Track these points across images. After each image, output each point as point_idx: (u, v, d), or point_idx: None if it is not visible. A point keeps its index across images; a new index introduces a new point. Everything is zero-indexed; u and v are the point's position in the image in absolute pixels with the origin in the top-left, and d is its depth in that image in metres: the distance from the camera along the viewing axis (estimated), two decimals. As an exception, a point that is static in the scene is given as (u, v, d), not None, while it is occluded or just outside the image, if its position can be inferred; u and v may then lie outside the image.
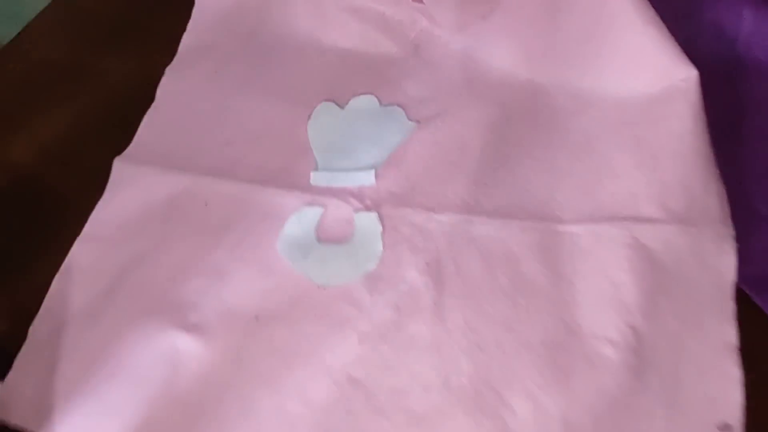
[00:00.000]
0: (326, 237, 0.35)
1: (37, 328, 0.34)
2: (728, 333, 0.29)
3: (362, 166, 0.36)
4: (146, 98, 0.42)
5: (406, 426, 0.29)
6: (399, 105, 0.39)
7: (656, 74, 0.33)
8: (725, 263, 0.30)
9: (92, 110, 0.42)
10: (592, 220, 0.33)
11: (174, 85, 0.42)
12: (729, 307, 0.29)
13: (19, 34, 0.48)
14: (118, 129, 0.40)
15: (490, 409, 0.29)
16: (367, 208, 0.35)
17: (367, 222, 0.34)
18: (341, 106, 0.39)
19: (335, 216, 0.35)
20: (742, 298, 0.29)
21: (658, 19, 0.32)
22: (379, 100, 0.39)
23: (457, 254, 0.33)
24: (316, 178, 0.36)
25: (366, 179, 0.36)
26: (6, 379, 0.33)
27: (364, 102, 0.39)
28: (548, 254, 0.32)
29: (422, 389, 0.30)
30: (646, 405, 0.28)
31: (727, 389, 0.28)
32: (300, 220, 0.35)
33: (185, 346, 0.32)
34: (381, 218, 0.34)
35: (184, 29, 0.45)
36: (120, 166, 0.38)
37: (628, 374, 0.28)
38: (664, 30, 0.32)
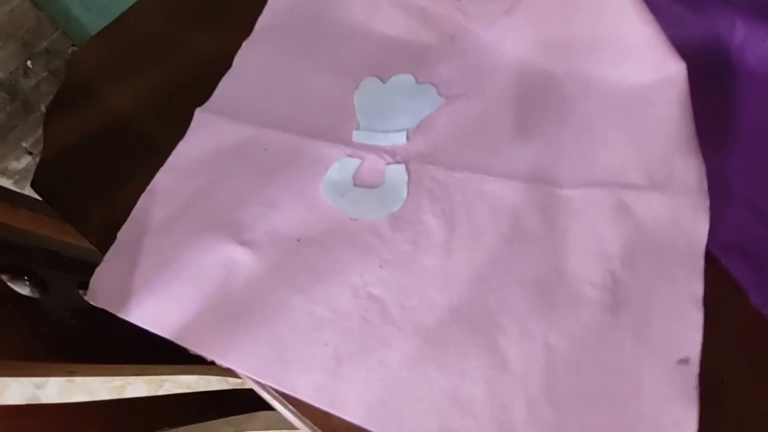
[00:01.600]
0: (361, 182, 0.40)
1: (124, 234, 0.41)
2: (696, 286, 0.32)
3: (396, 129, 0.42)
4: (224, 65, 0.49)
5: (412, 334, 0.33)
6: (432, 84, 0.44)
7: (650, 67, 0.37)
8: (699, 229, 0.33)
9: (180, 71, 0.49)
10: (586, 185, 0.37)
11: (248, 56, 0.49)
12: (698, 265, 0.32)
13: (125, 11, 0.56)
14: (200, 87, 0.47)
15: (484, 329, 0.33)
16: (397, 163, 0.40)
17: (396, 173, 0.39)
18: (383, 81, 0.45)
19: (370, 166, 0.41)
20: (710, 259, 0.32)
21: (653, 19, 0.36)
22: (416, 79, 0.44)
23: (469, 205, 0.38)
24: (358, 136, 0.42)
25: (398, 139, 0.41)
26: (96, 271, 0.39)
27: (403, 79, 0.44)
28: (545, 211, 0.36)
29: (428, 308, 0.34)
30: (618, 338, 0.32)
31: (689, 331, 0.31)
32: (341, 167, 0.40)
33: (239, 256, 0.38)
34: (408, 171, 0.40)
35: (257, 12, 0.52)
36: (200, 115, 0.45)
37: (604, 311, 0.32)
38: (659, 29, 0.36)
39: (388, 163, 0.40)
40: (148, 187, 0.42)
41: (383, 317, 0.35)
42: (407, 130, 0.41)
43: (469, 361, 0.32)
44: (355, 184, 0.40)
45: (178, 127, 0.45)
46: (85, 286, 0.43)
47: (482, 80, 0.43)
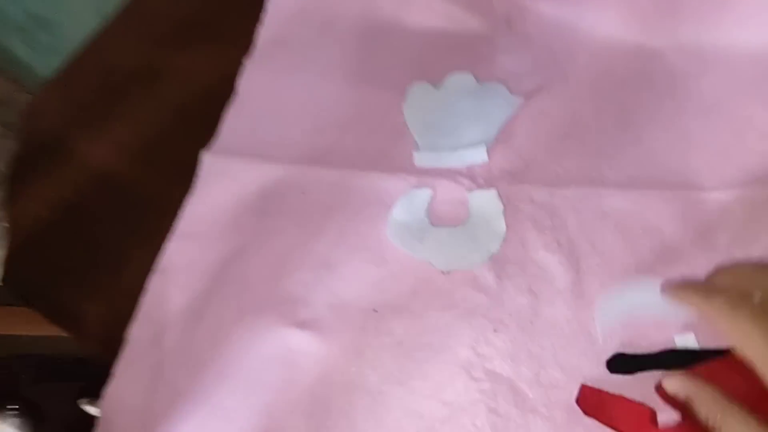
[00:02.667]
0: (440, 220, 0.31)
1: (136, 333, 0.30)
2: None
3: (468, 143, 0.32)
4: (223, 93, 0.38)
5: (568, 423, 0.24)
6: (498, 81, 0.35)
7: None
8: None
9: (171, 108, 0.39)
10: (741, 184, 0.28)
11: (255, 77, 0.38)
12: None
13: (94, 41, 0.45)
14: (199, 124, 0.37)
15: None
16: (480, 188, 0.31)
17: (485, 200, 0.30)
18: (436, 86, 0.36)
19: (446, 197, 0.31)
20: None
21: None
22: (476, 78, 0.35)
23: (590, 230, 0.28)
24: (421, 159, 0.32)
25: (477, 156, 0.31)
26: (107, 391, 0.29)
27: (460, 80, 0.35)
28: (695, 223, 0.28)
29: (577, 381, 0.25)
30: None
31: None
32: (410, 203, 0.31)
33: (299, 344, 0.28)
34: (499, 196, 0.30)
35: (250, 24, 0.42)
36: (209, 159, 0.35)
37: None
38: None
39: (470, 190, 0.31)
40: (159, 265, 0.32)
41: (518, 403, 0.25)
42: (485, 144, 0.32)
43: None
44: (432, 223, 0.31)
45: (183, 179, 0.34)
46: (88, 393, 0.33)
47: (560, 68, 0.34)
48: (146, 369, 0.29)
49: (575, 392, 0.25)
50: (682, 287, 0.22)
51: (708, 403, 0.20)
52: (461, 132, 0.33)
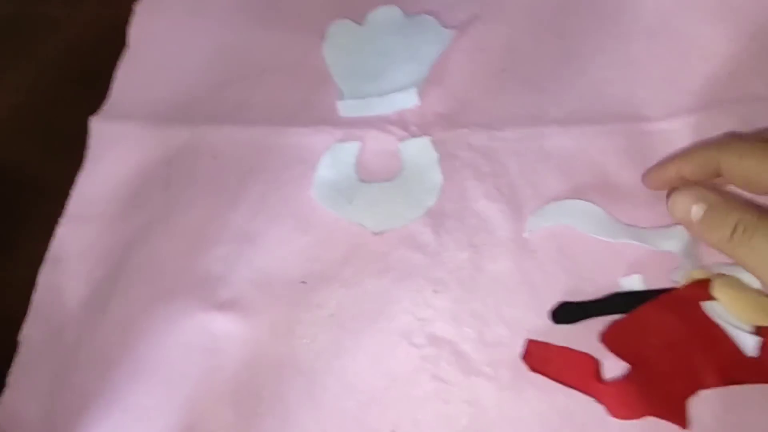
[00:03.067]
0: (370, 175, 0.27)
1: (30, 334, 0.26)
2: None
3: (398, 87, 0.29)
4: (113, 45, 0.32)
5: (514, 381, 0.23)
6: (428, 12, 0.31)
7: None
8: None
9: (51, 69, 0.33)
10: (687, 110, 0.26)
11: (149, 25, 0.33)
12: None
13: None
14: (86, 86, 0.31)
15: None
16: (413, 136, 0.28)
17: (418, 150, 0.27)
18: (359, 23, 0.31)
19: (376, 149, 0.28)
20: None
21: None
22: (403, 10, 0.31)
23: (532, 173, 0.26)
24: (346, 108, 0.28)
25: (407, 100, 0.28)
26: (2, 403, 0.25)
27: (385, 14, 0.31)
28: (640, 158, 0.26)
29: (522, 337, 0.23)
30: None
31: None
32: (334, 159, 0.27)
33: (221, 327, 0.25)
34: (434, 144, 0.27)
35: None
36: (99, 127, 0.30)
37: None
38: None
39: (401, 139, 0.28)
40: (49, 254, 0.27)
41: (462, 366, 0.23)
42: (415, 86, 0.29)
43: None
44: (361, 180, 0.28)
45: (70, 153, 0.29)
46: None
47: (495, -6, 0.31)
48: (46, 373, 0.25)
49: (520, 348, 0.23)
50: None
51: (738, 207, 0.19)
52: (389, 74, 0.29)
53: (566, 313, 0.23)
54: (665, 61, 0.27)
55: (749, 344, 0.19)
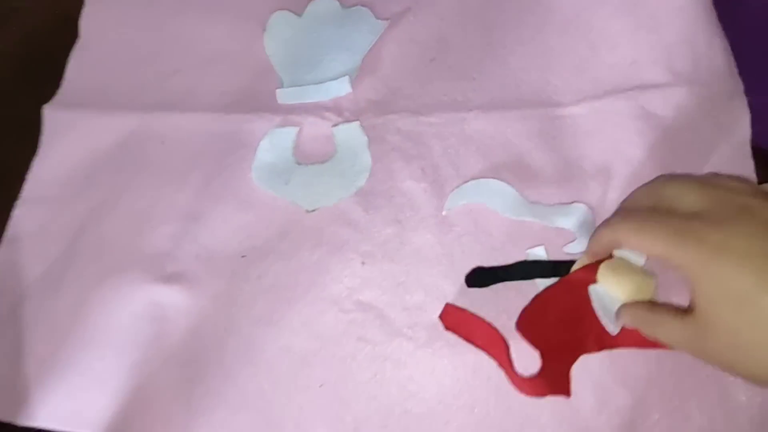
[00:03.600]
0: (306, 157, 0.29)
1: (-10, 309, 0.28)
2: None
3: (333, 76, 0.31)
4: (68, 35, 0.34)
5: (429, 341, 0.25)
6: (363, 5, 0.33)
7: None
8: (739, 120, 0.26)
9: (6, 57, 0.34)
10: (593, 97, 0.28)
11: (99, 16, 0.34)
12: (748, 166, 0.26)
13: None
14: (40, 74, 0.33)
15: (514, 308, 0.26)
16: (347, 121, 0.30)
17: (350, 134, 0.29)
18: (298, 14, 0.33)
19: (312, 133, 0.30)
20: (761, 154, 0.26)
21: None
22: (340, 2, 0.33)
23: (454, 155, 0.28)
24: (284, 96, 0.30)
25: (340, 89, 0.30)
26: (-34, 371, 0.27)
27: (323, 5, 0.33)
28: (550, 140, 0.28)
29: (439, 301, 0.26)
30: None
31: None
32: (273, 143, 0.29)
33: (168, 298, 0.27)
34: (364, 129, 0.29)
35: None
36: (52, 115, 0.31)
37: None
38: None
39: (335, 124, 0.30)
40: (6, 235, 0.29)
41: (384, 328, 0.26)
42: (349, 75, 0.30)
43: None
44: (298, 162, 0.29)
45: (24, 140, 0.31)
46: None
47: (427, -13, 0.33)
48: (6, 344, 0.27)
49: (437, 312, 0.26)
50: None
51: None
52: (325, 63, 0.31)
53: (478, 277, 0.26)
54: (576, 51, 0.30)
55: (610, 327, 0.22)
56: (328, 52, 0.31)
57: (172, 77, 0.32)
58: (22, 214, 0.29)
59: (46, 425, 0.26)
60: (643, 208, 0.21)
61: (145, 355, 0.26)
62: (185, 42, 0.33)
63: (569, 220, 0.26)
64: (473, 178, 0.28)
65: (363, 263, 0.27)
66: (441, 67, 0.31)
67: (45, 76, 0.32)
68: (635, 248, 0.20)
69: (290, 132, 0.30)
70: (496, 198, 0.27)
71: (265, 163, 0.29)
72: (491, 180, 0.27)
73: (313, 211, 0.28)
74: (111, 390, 0.26)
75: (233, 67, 0.32)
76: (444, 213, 0.27)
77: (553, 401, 0.24)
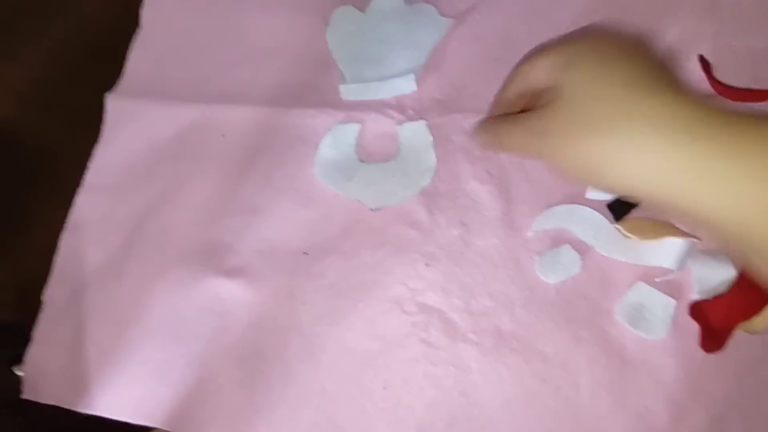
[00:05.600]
0: (369, 156, 0.29)
1: (53, 295, 0.28)
2: None
3: (396, 73, 0.30)
4: (129, 25, 0.33)
5: (495, 347, 0.24)
6: (428, 2, 0.32)
7: None
8: None
9: (69, 46, 0.34)
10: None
11: (161, 6, 0.33)
12: None
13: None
14: (103, 63, 0.33)
15: (585, 319, 0.25)
16: (410, 119, 0.29)
17: (414, 133, 0.28)
18: (361, 10, 0.32)
19: (375, 131, 0.29)
20: None
21: None
22: (405, -2, 0.32)
23: (522, 159, 0.28)
24: (348, 92, 0.29)
25: (405, 86, 0.29)
26: (28, 356, 0.27)
27: (387, 2, 0.32)
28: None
29: (506, 305, 0.25)
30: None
31: None
32: (336, 139, 0.29)
33: (229, 292, 0.27)
34: (429, 128, 0.29)
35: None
36: (115, 103, 0.31)
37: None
38: None
39: (398, 123, 0.29)
40: (69, 221, 0.29)
41: (449, 332, 0.25)
42: (413, 72, 0.30)
43: (578, 366, 0.24)
44: (361, 160, 0.29)
45: (88, 127, 0.30)
46: (20, 359, 0.31)
47: (494, -15, 0.32)
48: (67, 330, 0.27)
49: (503, 318, 0.25)
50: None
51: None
52: (389, 60, 0.30)
53: (619, 206, 0.25)
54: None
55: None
56: (391, 49, 0.30)
57: (232, 69, 0.31)
58: (84, 201, 0.29)
59: (107, 414, 0.25)
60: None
61: (206, 349, 0.26)
62: (246, 34, 0.32)
63: (667, 258, 0.24)
64: (543, 182, 0.27)
65: (426, 265, 0.26)
66: (506, 67, 0.29)
67: (106, 64, 0.32)
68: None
69: (353, 129, 0.29)
70: (588, 228, 0.26)
71: (327, 159, 0.28)
72: (586, 208, 0.26)
73: (377, 209, 0.27)
74: (171, 382, 0.26)
75: (294, 61, 0.31)
76: (529, 234, 0.26)
77: (625, 416, 0.23)
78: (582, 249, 0.25)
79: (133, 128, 0.30)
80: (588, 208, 0.26)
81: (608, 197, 0.26)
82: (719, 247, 0.23)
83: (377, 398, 0.24)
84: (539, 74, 0.19)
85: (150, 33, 0.33)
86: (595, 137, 0.15)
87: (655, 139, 0.15)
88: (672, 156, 0.14)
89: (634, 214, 0.25)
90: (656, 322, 0.24)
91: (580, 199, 0.26)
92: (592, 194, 0.26)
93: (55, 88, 0.32)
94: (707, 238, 0.24)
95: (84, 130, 0.30)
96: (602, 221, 0.26)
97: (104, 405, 0.25)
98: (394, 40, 0.31)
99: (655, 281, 0.24)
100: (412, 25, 0.31)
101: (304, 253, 0.27)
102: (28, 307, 0.28)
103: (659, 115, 0.15)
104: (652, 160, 0.15)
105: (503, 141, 0.19)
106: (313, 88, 0.30)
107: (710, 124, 0.14)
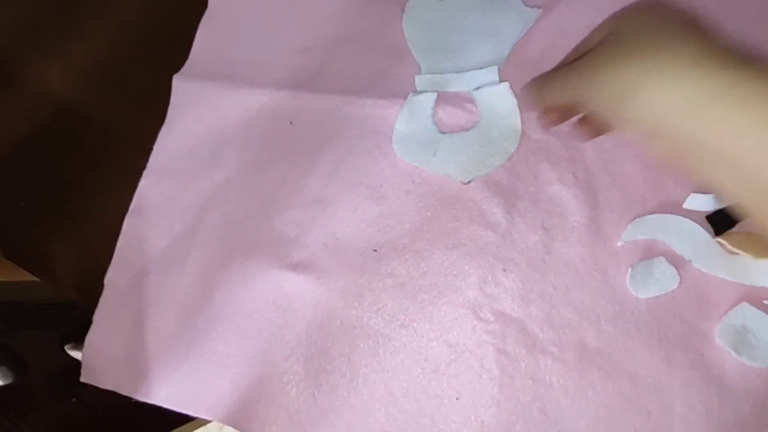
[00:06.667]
0: (448, 126, 0.27)
1: (114, 277, 0.27)
2: None
3: (475, 65, 0.28)
4: (197, 5, 0.32)
5: (579, 363, 0.23)
6: (511, -10, 0.30)
7: None
8: None
9: (134, 26, 0.33)
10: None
11: (229, -13, 0.33)
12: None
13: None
14: (168, 44, 0.32)
15: (680, 340, 0.23)
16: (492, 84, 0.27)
17: (496, 97, 0.26)
18: (439, -3, 0.30)
19: (452, 99, 0.27)
20: None
21: None
22: (485, -14, 0.30)
23: (610, 161, 0.25)
24: (424, 83, 0.28)
25: (487, 79, 0.27)
26: (88, 339, 0.26)
27: (467, -11, 0.30)
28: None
29: (591, 320, 0.23)
30: None
31: None
32: (412, 112, 0.27)
33: (294, 287, 0.25)
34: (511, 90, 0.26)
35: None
36: (181, 85, 0.30)
37: None
38: None
39: (476, 88, 0.27)
40: (133, 204, 0.28)
41: (528, 344, 0.24)
42: (497, 65, 0.28)
43: (671, 391, 0.22)
44: (441, 131, 0.27)
45: (153, 108, 0.30)
46: (74, 338, 0.31)
47: (583, -26, 0.29)
48: (128, 315, 0.26)
49: (588, 332, 0.23)
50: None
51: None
52: (469, 51, 0.28)
53: (721, 217, 0.22)
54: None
55: None
56: (471, 40, 0.28)
57: (302, 55, 0.30)
58: (148, 185, 0.28)
59: (166, 405, 0.25)
60: None
61: (269, 344, 0.25)
62: (317, 19, 0.31)
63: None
64: (632, 188, 0.25)
65: (504, 270, 0.25)
66: (596, 63, 0.28)
67: (173, 45, 0.31)
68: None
69: (429, 98, 0.27)
70: (686, 242, 0.23)
71: (406, 134, 0.26)
72: (684, 219, 0.24)
73: (469, 182, 0.25)
74: (233, 376, 0.25)
75: (367, 49, 0.30)
76: (619, 244, 0.24)
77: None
78: (677, 262, 0.23)
79: (198, 111, 0.29)
80: (686, 219, 0.24)
81: (708, 208, 0.24)
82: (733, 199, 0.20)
83: (448, 410, 0.23)
84: (595, 37, 0.20)
85: (216, 13, 0.32)
86: (630, 62, 0.16)
87: (689, 69, 0.15)
88: (704, 87, 0.15)
89: (737, 228, 0.23)
90: (763, 348, 0.22)
91: (675, 209, 0.24)
92: (691, 203, 0.24)
93: (121, 69, 0.31)
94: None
95: (149, 112, 0.30)
96: (702, 234, 0.23)
97: (164, 395, 0.25)
98: (473, 30, 0.29)
99: (763, 303, 0.22)
100: (494, 15, 0.29)
101: (374, 250, 0.26)
102: (89, 289, 0.27)
103: (696, 53, 0.15)
104: (684, 87, 0.15)
105: (547, 85, 0.21)
106: (386, 77, 0.29)
107: (748, 68, 0.15)
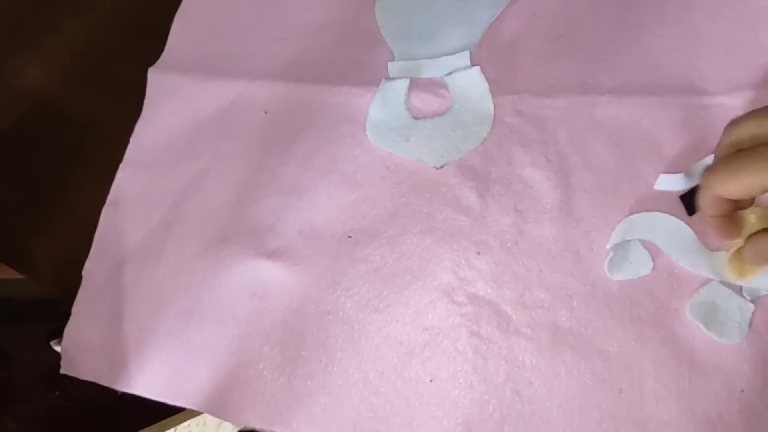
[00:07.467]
0: (421, 111, 0.27)
1: (92, 270, 0.27)
2: None
3: (448, 50, 0.28)
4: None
5: (552, 343, 0.23)
6: (483, -25, 0.30)
7: None
8: None
9: (110, 21, 0.33)
10: (748, 86, 0.25)
11: (203, -21, 0.33)
12: None
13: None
14: (144, 38, 0.32)
15: (651, 318, 0.23)
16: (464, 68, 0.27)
17: (467, 81, 0.26)
18: (412, -16, 0.30)
19: (425, 85, 0.27)
20: None
21: None
22: (458, -28, 0.30)
23: (582, 143, 0.25)
24: (396, 70, 0.28)
25: (459, 64, 0.27)
26: (66, 330, 0.27)
27: (439, -25, 0.30)
28: (695, 132, 0.25)
29: (564, 300, 0.23)
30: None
31: None
32: (385, 98, 0.27)
33: (270, 274, 0.26)
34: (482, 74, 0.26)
35: None
36: (156, 78, 0.30)
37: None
38: None
39: (448, 73, 0.27)
40: (110, 196, 0.28)
41: (501, 326, 0.24)
42: (469, 49, 0.28)
43: (643, 368, 0.22)
44: (414, 117, 0.27)
45: (130, 101, 0.30)
46: (58, 334, 0.31)
47: (555, -42, 0.29)
48: (106, 306, 0.26)
49: (560, 312, 0.23)
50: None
51: None
52: (441, 37, 0.28)
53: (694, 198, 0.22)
54: (729, 32, 0.26)
55: None
56: (443, 25, 0.28)
57: (277, 44, 0.30)
58: (125, 177, 0.29)
59: (144, 394, 0.25)
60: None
61: (246, 331, 0.25)
62: (291, 8, 0.31)
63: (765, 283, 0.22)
64: (604, 168, 0.25)
65: (478, 253, 0.25)
66: (568, 46, 0.28)
67: (149, 39, 0.31)
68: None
69: (402, 84, 0.27)
70: (673, 240, 0.23)
71: (379, 120, 0.27)
72: (670, 218, 0.23)
73: (442, 167, 0.25)
74: (209, 364, 0.25)
75: (341, 37, 0.30)
76: (608, 247, 0.23)
77: (694, 424, 0.21)
78: (651, 246, 0.23)
79: (174, 103, 0.29)
80: (673, 218, 0.23)
81: (680, 188, 0.24)
82: None
83: (423, 391, 0.23)
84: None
85: (192, 6, 0.32)
86: None
87: None
88: None
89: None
90: (731, 326, 0.22)
91: (648, 190, 0.24)
92: (662, 184, 0.24)
93: (98, 63, 0.31)
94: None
95: (126, 105, 0.30)
96: (688, 232, 0.23)
97: (142, 384, 0.25)
98: (446, 16, 0.29)
99: (733, 284, 0.22)
100: (466, 1, 0.29)
101: (348, 236, 0.26)
102: (68, 282, 0.27)
103: None
104: None
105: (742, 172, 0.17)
106: (360, 65, 0.29)
107: None
